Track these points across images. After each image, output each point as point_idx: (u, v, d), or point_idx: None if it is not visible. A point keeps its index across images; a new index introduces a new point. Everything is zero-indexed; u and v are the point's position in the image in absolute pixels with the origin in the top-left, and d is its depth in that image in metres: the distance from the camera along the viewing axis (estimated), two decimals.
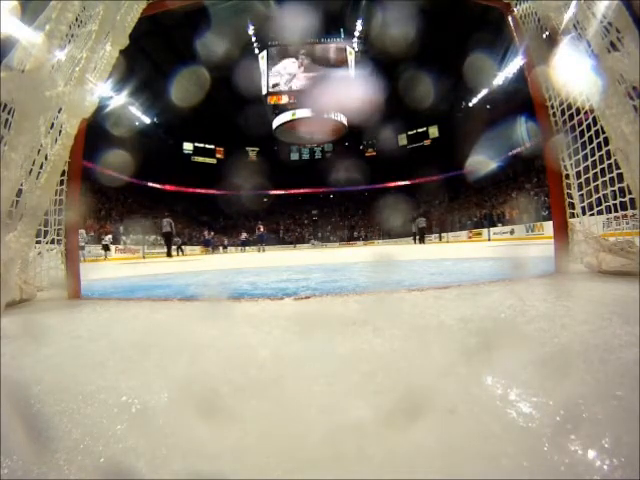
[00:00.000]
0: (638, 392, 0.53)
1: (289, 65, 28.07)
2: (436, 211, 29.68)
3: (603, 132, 1.70)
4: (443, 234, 24.63)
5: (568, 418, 0.49)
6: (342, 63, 28.15)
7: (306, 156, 38.50)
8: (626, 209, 1.68)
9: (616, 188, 1.70)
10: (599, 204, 1.86)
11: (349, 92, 26.14)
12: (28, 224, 1.64)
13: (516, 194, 20.87)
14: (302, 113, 29.26)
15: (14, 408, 0.57)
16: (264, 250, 19.37)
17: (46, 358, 0.90)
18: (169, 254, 13.67)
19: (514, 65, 22.58)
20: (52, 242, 1.99)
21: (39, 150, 1.65)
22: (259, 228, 21.06)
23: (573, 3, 1.71)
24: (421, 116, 30.43)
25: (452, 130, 29.59)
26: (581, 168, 1.89)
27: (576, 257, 1.94)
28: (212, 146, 37.23)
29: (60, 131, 1.74)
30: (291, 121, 29.90)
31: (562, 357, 0.72)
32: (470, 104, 29.57)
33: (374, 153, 37.38)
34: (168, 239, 13.80)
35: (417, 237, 19.10)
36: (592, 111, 1.75)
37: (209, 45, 21.97)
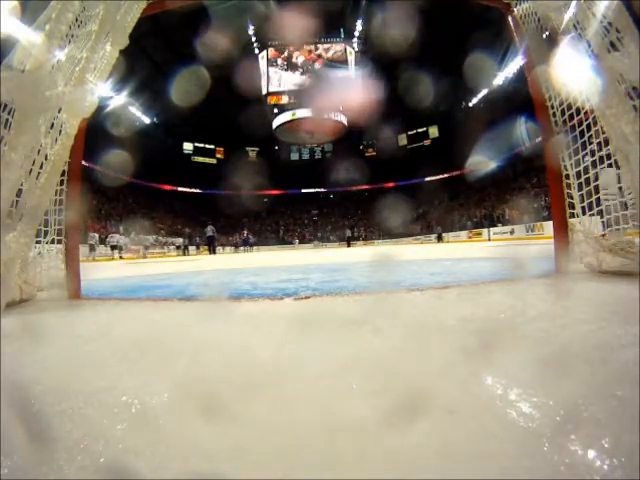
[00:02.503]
0: (638, 392, 0.53)
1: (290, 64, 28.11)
2: (436, 211, 29.64)
3: (603, 132, 1.70)
4: (443, 234, 24.66)
5: (568, 418, 0.49)
6: (342, 63, 28.16)
7: (306, 156, 38.46)
8: (626, 209, 1.68)
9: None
10: (599, 204, 1.86)
11: (349, 92, 26.13)
12: (28, 224, 1.63)
13: (516, 194, 20.86)
14: (302, 113, 29.27)
15: (14, 408, 0.57)
16: (246, 251, 22.89)
17: (46, 358, 0.90)
18: (213, 252, 18.33)
19: (514, 65, 22.56)
20: (52, 242, 1.99)
21: (39, 150, 1.65)
22: (243, 233, 24.68)
23: (573, 3, 1.71)
24: (421, 116, 30.40)
25: (452, 130, 29.55)
26: (581, 168, 1.89)
27: (576, 257, 1.94)
28: (212, 146, 37.19)
29: (60, 131, 1.74)
30: (291, 121, 29.91)
31: (562, 357, 0.72)
32: (470, 104, 29.55)
33: (374, 153, 37.34)
34: (211, 242, 18.37)
35: (437, 237, 24.97)
36: (592, 111, 1.75)
37: (209, 45, 21.95)
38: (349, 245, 25.88)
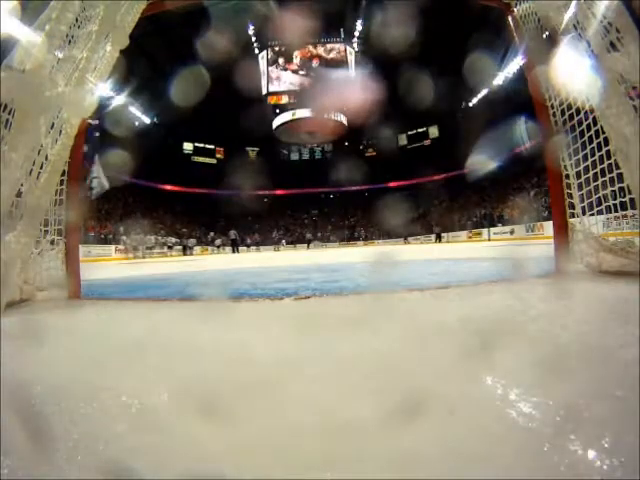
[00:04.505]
0: (638, 392, 0.53)
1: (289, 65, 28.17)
2: (436, 211, 29.63)
3: (603, 132, 1.70)
4: (443, 234, 24.68)
5: (568, 418, 0.49)
6: (342, 63, 28.18)
7: (306, 156, 38.48)
8: (626, 209, 1.68)
9: (616, 188, 1.70)
10: (599, 204, 1.85)
11: (349, 92, 26.13)
12: (28, 224, 1.63)
13: (516, 194, 20.85)
14: (302, 113, 29.28)
15: (14, 408, 0.57)
16: (236, 251, 25.26)
17: (46, 358, 0.90)
18: (237, 252, 22.81)
19: (514, 65, 22.57)
20: (52, 242, 1.99)
21: (39, 150, 1.65)
22: (231, 234, 26.40)
23: (573, 3, 1.71)
24: (421, 116, 30.35)
25: (452, 130, 29.55)
26: (581, 168, 1.89)
27: (576, 257, 1.94)
28: (212, 146, 37.15)
29: (60, 131, 1.74)
30: (291, 121, 29.93)
31: (562, 357, 0.72)
32: (470, 104, 29.55)
33: (374, 153, 37.32)
34: (235, 243, 23.41)
35: (436, 237, 25.40)
36: (592, 111, 1.74)
37: (209, 45, 21.94)
38: (308, 247, 27.70)
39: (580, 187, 1.92)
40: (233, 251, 23.70)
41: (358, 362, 0.77)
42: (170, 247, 23.09)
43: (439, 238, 24.60)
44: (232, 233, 23.63)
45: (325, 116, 29.34)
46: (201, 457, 0.46)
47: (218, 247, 27.20)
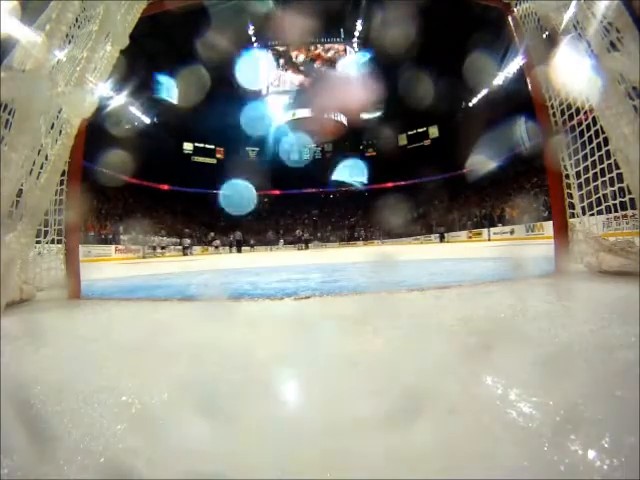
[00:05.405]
0: (638, 392, 0.53)
1: (289, 65, 28.21)
2: (436, 211, 29.62)
3: (603, 132, 1.70)
4: (443, 234, 24.73)
5: (568, 418, 0.49)
6: (342, 63, 28.23)
7: (306, 156, 38.55)
8: (626, 209, 1.68)
9: (616, 188, 1.70)
10: (599, 204, 1.85)
11: (349, 92, 26.15)
12: (28, 224, 1.64)
13: (516, 194, 20.86)
14: (302, 113, 29.35)
15: (14, 408, 0.57)
16: (238, 251, 26.18)
17: (46, 358, 0.90)
18: (239, 251, 23.88)
19: (514, 65, 22.58)
20: (52, 242, 1.99)
21: (39, 150, 1.65)
22: (235, 235, 27.75)
23: (573, 3, 1.71)
24: (421, 116, 30.36)
25: (452, 130, 29.55)
26: (581, 168, 1.89)
27: (576, 257, 1.94)
28: (212, 146, 37.19)
29: (60, 131, 1.74)
30: (291, 121, 30.00)
31: (562, 357, 0.72)
32: (470, 104, 29.56)
33: (374, 153, 37.34)
34: (239, 244, 24.63)
35: (440, 237, 25.68)
36: (592, 111, 1.75)
37: (209, 45, 21.96)
38: (307, 247, 28.16)
39: (580, 187, 1.92)
40: (238, 251, 24.55)
41: (358, 362, 0.77)
42: (186, 247, 24.01)
43: (442, 238, 24.67)
44: (237, 234, 25.18)
45: (325, 116, 29.38)
46: (201, 457, 0.46)
47: (230, 247, 28.12)
